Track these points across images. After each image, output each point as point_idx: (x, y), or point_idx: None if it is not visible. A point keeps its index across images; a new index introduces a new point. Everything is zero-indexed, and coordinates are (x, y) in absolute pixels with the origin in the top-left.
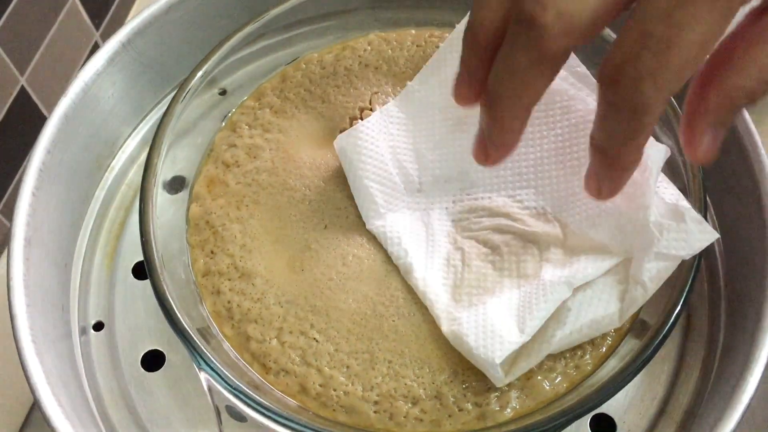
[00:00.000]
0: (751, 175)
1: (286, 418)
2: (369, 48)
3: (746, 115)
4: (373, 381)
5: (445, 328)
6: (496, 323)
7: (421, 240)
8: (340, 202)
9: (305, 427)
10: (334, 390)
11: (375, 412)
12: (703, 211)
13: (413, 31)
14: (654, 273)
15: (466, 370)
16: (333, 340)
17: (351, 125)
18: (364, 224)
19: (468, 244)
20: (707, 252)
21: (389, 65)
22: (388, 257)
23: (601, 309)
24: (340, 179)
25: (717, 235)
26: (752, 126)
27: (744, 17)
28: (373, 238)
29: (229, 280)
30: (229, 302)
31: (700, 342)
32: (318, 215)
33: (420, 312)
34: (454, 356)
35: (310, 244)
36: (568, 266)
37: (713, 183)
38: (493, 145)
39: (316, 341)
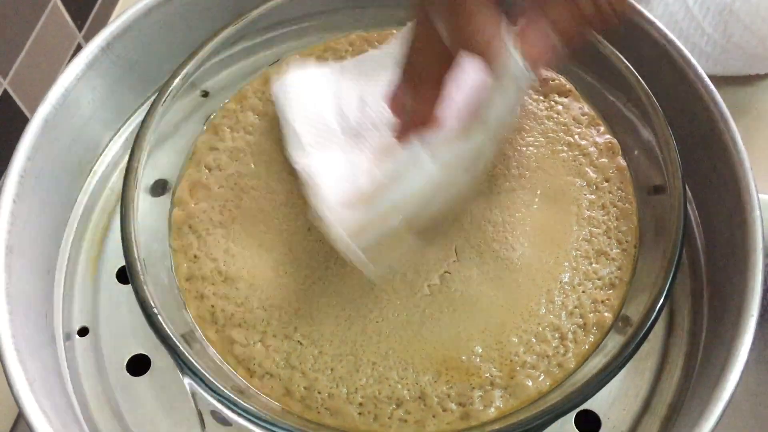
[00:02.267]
0: (731, 171)
1: (270, 422)
2: (350, 48)
3: (726, 110)
4: (357, 383)
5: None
6: None
7: (342, 177)
8: None
9: (289, 430)
10: (319, 393)
11: (360, 413)
12: (683, 205)
13: (395, 31)
14: None
15: (450, 370)
16: (317, 343)
17: None
18: None
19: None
20: (689, 247)
21: None
22: None
23: None
24: None
25: None
26: (732, 122)
27: None
28: None
29: (213, 284)
30: (212, 306)
31: (683, 337)
32: (301, 218)
33: (404, 313)
34: (438, 357)
35: (293, 247)
36: None
37: (694, 178)
38: None
39: (300, 344)
